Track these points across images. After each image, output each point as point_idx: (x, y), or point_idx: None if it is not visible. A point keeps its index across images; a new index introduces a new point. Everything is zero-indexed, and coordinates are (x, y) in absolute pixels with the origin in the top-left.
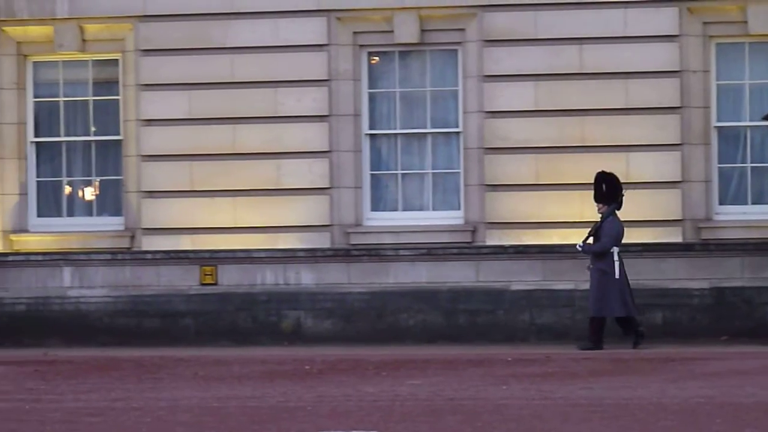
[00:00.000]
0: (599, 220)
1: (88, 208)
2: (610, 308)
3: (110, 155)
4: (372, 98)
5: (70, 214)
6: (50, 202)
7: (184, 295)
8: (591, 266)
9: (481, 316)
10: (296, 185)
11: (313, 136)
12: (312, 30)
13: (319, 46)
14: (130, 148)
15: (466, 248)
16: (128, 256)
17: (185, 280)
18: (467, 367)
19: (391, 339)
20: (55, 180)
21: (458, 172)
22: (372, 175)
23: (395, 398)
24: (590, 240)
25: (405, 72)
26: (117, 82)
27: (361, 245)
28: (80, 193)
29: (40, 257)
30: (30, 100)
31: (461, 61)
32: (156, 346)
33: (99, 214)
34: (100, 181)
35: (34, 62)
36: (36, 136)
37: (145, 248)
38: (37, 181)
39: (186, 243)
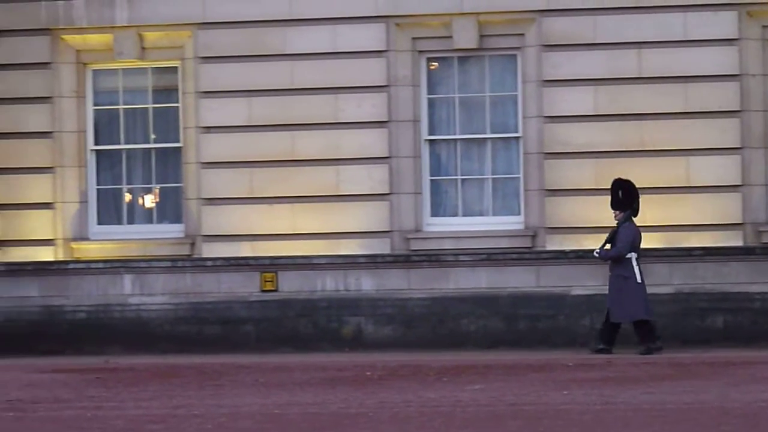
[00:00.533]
0: (615, 226)
1: (148, 216)
2: (634, 312)
3: (170, 162)
4: (431, 104)
5: (131, 221)
6: (110, 210)
7: (244, 302)
8: (609, 272)
9: (542, 321)
10: (356, 191)
11: (372, 142)
12: (371, 36)
13: (378, 52)
14: (190, 155)
15: (527, 253)
16: (188, 263)
17: (246, 286)
18: (528, 372)
19: (451, 344)
20: (115, 188)
21: (518, 177)
22: (432, 180)
23: (456, 404)
24: (608, 246)
25: (464, 77)
26: (176, 90)
27: (421, 251)
28: (140, 201)
29: (100, 265)
30: (90, 108)
31: (520, 66)
32: (217, 353)
33: (159, 221)
34: (160, 189)
35: (94, 70)
36: (96, 144)
37: (205, 255)
38: (98, 189)
39: (246, 250)
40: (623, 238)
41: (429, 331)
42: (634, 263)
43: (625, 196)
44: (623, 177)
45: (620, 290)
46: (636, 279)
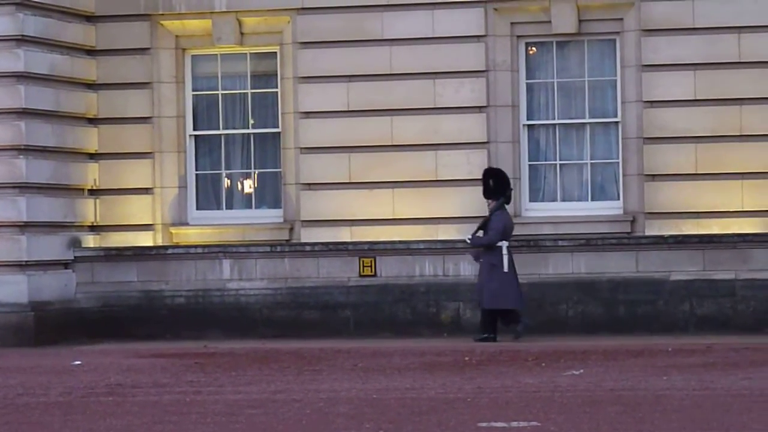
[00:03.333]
0: (488, 214)
1: (246, 201)
2: (500, 300)
3: (268, 147)
4: (530, 89)
5: (229, 206)
6: (209, 195)
7: (343, 287)
8: (481, 259)
9: (641, 307)
10: (454, 176)
11: (470, 127)
12: (469, 21)
13: (477, 37)
14: (289, 141)
15: (626, 238)
16: (287, 248)
17: (344, 271)
18: (627, 358)
19: (550, 330)
20: (214, 173)
21: (617, 162)
22: (530, 165)
23: (555, 389)
24: (480, 233)
25: (563, 62)
26: (275, 75)
27: (520, 236)
28: (239, 186)
29: (199, 250)
30: (189, 94)
31: (619, 51)
32: (315, 338)
33: (258, 206)
34: (259, 174)
35: (193, 56)
36: (195, 129)
37: (304, 240)
38: (196, 174)
39: (345, 235)
40: (495, 226)
41: (528, 316)
42: (504, 252)
43: (496, 185)
44: (494, 166)
45: (489, 278)
46: (503, 268)
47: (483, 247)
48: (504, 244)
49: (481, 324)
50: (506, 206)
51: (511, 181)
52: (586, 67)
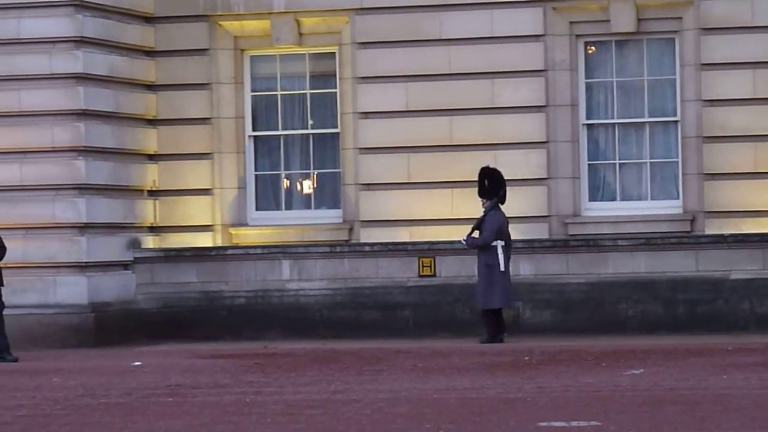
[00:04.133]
0: (482, 214)
1: (306, 201)
2: (495, 299)
3: (327, 148)
4: (589, 88)
5: (288, 207)
6: (268, 196)
7: (402, 287)
8: (477, 260)
9: (701, 306)
10: (513, 176)
11: (529, 127)
12: (528, 20)
13: (536, 37)
14: (348, 141)
15: (685, 237)
16: (347, 248)
17: (404, 272)
18: (687, 357)
19: (610, 329)
20: (273, 173)
21: (676, 161)
22: (589, 165)
23: (615, 389)
24: (475, 234)
25: (622, 61)
26: (334, 75)
27: (580, 235)
28: (298, 186)
29: (259, 251)
30: (248, 95)
31: (678, 50)
32: (375, 338)
33: (317, 207)
34: (318, 174)
35: (251, 56)
36: (254, 130)
37: (363, 240)
38: (256, 175)
39: (404, 235)
40: (489, 227)
41: (587, 316)
42: (500, 251)
43: (491, 185)
44: (490, 165)
45: (487, 278)
46: (500, 267)
47: (478, 248)
48: (499, 243)
49: (485, 326)
50: (500, 206)
51: (571, 180)
52: (645, 66)
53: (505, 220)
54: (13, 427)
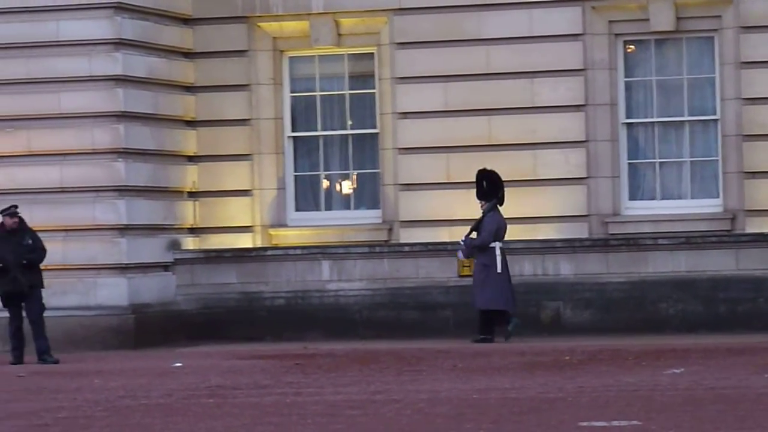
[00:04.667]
0: (481, 215)
1: (345, 202)
2: (493, 301)
3: (367, 148)
4: (628, 87)
5: (328, 207)
6: (308, 196)
7: (442, 287)
8: (476, 261)
9: (742, 305)
10: (553, 175)
11: (569, 126)
12: (567, 20)
13: (575, 36)
14: (387, 141)
15: (726, 236)
16: (386, 248)
17: (444, 272)
18: (728, 356)
19: (650, 328)
20: (312, 174)
21: (716, 160)
22: (629, 164)
23: (655, 388)
24: (473, 235)
25: (661, 60)
26: (372, 76)
27: (620, 235)
28: (337, 187)
29: (298, 251)
30: (287, 95)
31: (718, 48)
32: (414, 338)
33: (356, 207)
34: (357, 175)
35: (290, 57)
36: (293, 130)
37: (402, 241)
38: (295, 176)
39: (444, 235)
40: (487, 228)
41: (627, 315)
42: (497, 252)
43: (489, 187)
44: (488, 168)
45: (484, 279)
46: (497, 268)
47: (476, 249)
48: (497, 245)
49: (478, 325)
50: (499, 207)
51: (611, 179)
52: (684, 64)
53: (504, 222)
54: (54, 429)
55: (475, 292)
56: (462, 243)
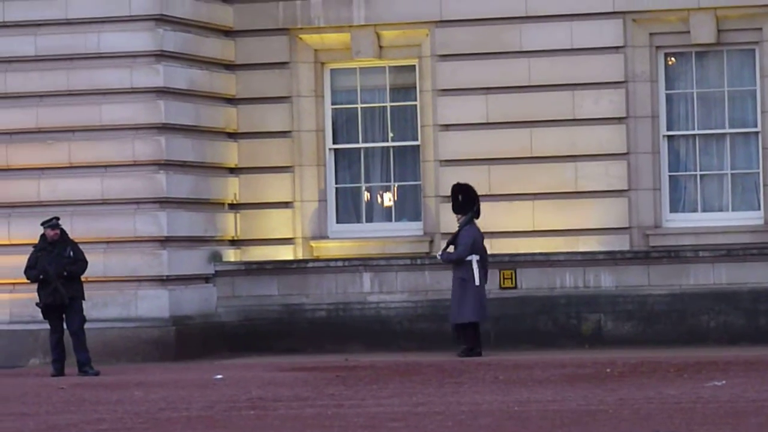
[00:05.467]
0: (457, 229)
1: (386, 214)
2: (468, 313)
3: (408, 160)
4: (669, 99)
5: (369, 220)
6: (349, 209)
7: None
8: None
9: None
10: (594, 188)
11: (610, 138)
12: (608, 32)
13: (616, 48)
14: (428, 153)
15: (767, 248)
16: (427, 260)
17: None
18: None
19: (691, 341)
20: (353, 186)
21: (757, 172)
22: (670, 176)
23: (697, 400)
24: (450, 249)
25: (702, 72)
26: (414, 88)
27: (661, 247)
28: (378, 199)
29: (340, 263)
30: (328, 107)
31: (758, 61)
32: (455, 350)
33: (397, 219)
34: (398, 187)
35: (332, 69)
36: (334, 142)
37: None
38: (336, 188)
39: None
40: (464, 241)
41: (669, 327)
42: (475, 266)
43: (464, 200)
44: (461, 182)
45: (462, 293)
46: (474, 281)
47: (453, 262)
48: (474, 258)
49: (463, 339)
50: (475, 220)
51: (652, 191)
52: (725, 77)
53: (480, 235)
54: None
55: (454, 307)
56: (439, 257)
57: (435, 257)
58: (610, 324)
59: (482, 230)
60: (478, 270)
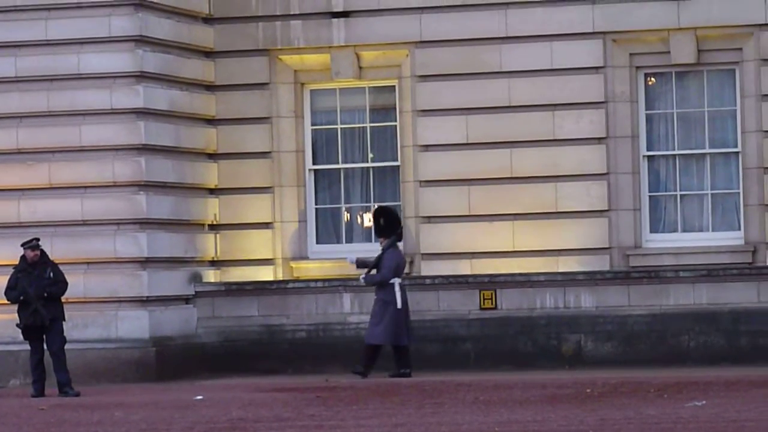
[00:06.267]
0: (380, 252)
1: (366, 235)
2: (380, 335)
3: (388, 181)
4: (649, 119)
5: (349, 240)
6: (329, 229)
7: (463, 320)
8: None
9: (764, 338)
10: (574, 208)
11: (590, 159)
12: (588, 52)
13: (596, 68)
14: (408, 174)
15: (747, 269)
16: (407, 281)
17: (465, 304)
18: (750, 389)
19: (672, 361)
20: (333, 207)
21: (737, 192)
22: (650, 196)
23: (677, 420)
24: (374, 271)
25: (682, 92)
26: (394, 109)
27: (641, 267)
28: (359, 220)
29: (320, 284)
30: (308, 128)
31: (739, 81)
32: (436, 370)
33: (377, 240)
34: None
35: (311, 90)
36: (314, 163)
37: (424, 273)
38: (316, 209)
39: (465, 267)
40: (387, 264)
41: (649, 347)
42: (397, 288)
43: (387, 224)
44: (383, 205)
45: (382, 314)
46: (396, 305)
47: (376, 285)
48: (396, 281)
49: (362, 357)
50: (398, 244)
51: (632, 212)
52: (705, 97)
53: (403, 259)
54: None
55: (371, 327)
56: (362, 280)
57: (358, 280)
58: (590, 344)
59: (460, 251)
60: (400, 293)
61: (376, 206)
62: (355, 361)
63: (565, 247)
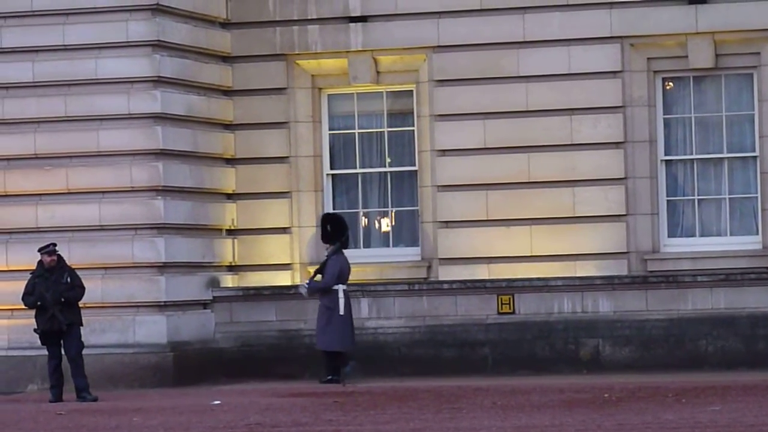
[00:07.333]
0: (325, 258)
1: (384, 239)
2: (334, 342)
3: (405, 186)
4: (667, 124)
5: (367, 245)
6: None
7: (481, 325)
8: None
9: None
10: (592, 212)
11: (608, 163)
12: (606, 57)
13: (613, 73)
14: (426, 179)
15: (765, 273)
16: (425, 286)
17: (482, 309)
18: (767, 394)
19: (689, 365)
20: (351, 211)
21: (755, 197)
22: (668, 201)
23: (695, 425)
24: (318, 277)
25: (700, 97)
26: (411, 113)
27: (659, 272)
28: (376, 224)
29: None
30: (325, 133)
31: (756, 85)
32: (454, 375)
33: (395, 244)
34: (396, 212)
35: (329, 95)
36: (332, 168)
37: (441, 278)
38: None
39: (482, 272)
40: (330, 271)
41: (667, 352)
42: (340, 295)
43: (333, 230)
44: (331, 212)
45: (325, 320)
46: (339, 311)
47: (320, 291)
48: (340, 287)
49: (324, 366)
50: (343, 251)
51: (650, 216)
52: (723, 101)
53: (347, 265)
54: None
55: (318, 334)
56: (306, 286)
57: (302, 285)
58: (608, 349)
59: (478, 255)
60: (343, 299)
61: (325, 212)
62: (374, 366)
63: (582, 251)
